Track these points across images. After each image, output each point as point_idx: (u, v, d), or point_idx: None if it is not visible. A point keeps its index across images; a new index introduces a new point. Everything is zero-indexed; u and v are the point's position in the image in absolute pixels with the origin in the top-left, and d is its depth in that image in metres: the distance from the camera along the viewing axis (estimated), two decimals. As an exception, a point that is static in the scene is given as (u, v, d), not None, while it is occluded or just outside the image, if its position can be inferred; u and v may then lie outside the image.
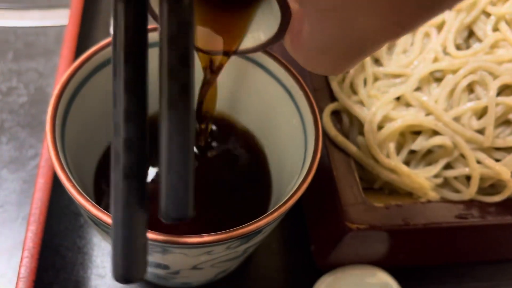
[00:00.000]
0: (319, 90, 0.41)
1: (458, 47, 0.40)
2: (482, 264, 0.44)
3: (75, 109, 0.32)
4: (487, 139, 0.36)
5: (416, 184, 0.36)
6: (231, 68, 0.38)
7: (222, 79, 0.38)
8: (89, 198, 0.27)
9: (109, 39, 0.34)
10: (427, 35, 0.40)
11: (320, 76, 0.42)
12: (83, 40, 0.49)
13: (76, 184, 0.27)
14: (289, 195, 0.28)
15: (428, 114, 0.38)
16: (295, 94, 0.35)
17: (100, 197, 0.35)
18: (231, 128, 0.40)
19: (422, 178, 0.36)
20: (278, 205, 0.28)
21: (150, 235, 0.25)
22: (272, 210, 0.27)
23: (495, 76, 0.37)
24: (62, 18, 0.54)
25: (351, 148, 0.37)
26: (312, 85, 0.41)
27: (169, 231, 0.27)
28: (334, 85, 0.40)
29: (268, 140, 0.39)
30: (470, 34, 0.40)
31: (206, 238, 0.26)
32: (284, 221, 0.44)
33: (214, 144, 0.40)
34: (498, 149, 0.37)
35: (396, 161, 0.37)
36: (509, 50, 0.38)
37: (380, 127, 0.38)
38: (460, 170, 0.37)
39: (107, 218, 0.26)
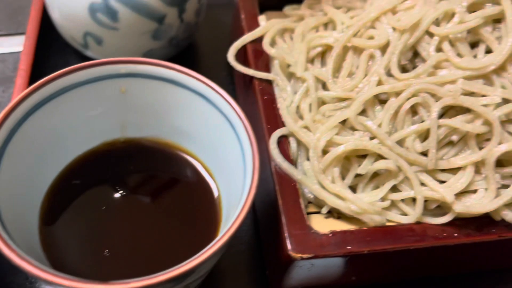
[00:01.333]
0: (269, 114, 0.41)
1: (404, 68, 0.40)
2: (435, 279, 0.44)
3: (9, 155, 0.32)
4: (430, 162, 0.36)
5: (360, 210, 0.36)
6: (175, 99, 0.38)
7: (167, 109, 0.39)
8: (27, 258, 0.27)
9: (50, 76, 0.34)
10: (372, 57, 0.40)
11: (269, 98, 0.42)
12: (39, 67, 0.49)
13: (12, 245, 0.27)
14: (219, 237, 0.28)
15: (372, 137, 0.38)
16: (236, 126, 0.35)
17: (47, 242, 0.35)
18: (179, 157, 0.40)
19: (365, 203, 0.36)
20: (208, 246, 0.28)
21: (69, 282, 0.25)
22: (200, 252, 0.28)
23: (437, 98, 0.37)
24: (21, 45, 0.54)
25: (297, 174, 0.37)
26: (262, 108, 0.41)
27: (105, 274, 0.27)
28: (282, 110, 0.40)
29: (217, 168, 0.39)
30: (415, 55, 0.40)
31: (133, 284, 0.26)
32: (240, 245, 0.45)
33: (162, 172, 0.40)
34: (444, 170, 0.38)
35: (340, 187, 0.37)
36: (452, 70, 0.38)
37: (326, 152, 0.38)
38: (405, 193, 0.37)
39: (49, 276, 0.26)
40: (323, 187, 0.37)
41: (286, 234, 0.35)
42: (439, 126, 0.37)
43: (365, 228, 0.36)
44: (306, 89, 0.40)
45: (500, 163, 0.38)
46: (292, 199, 0.36)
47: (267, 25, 0.45)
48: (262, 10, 0.50)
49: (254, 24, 0.47)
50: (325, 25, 0.45)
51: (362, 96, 0.38)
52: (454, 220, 0.37)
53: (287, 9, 0.49)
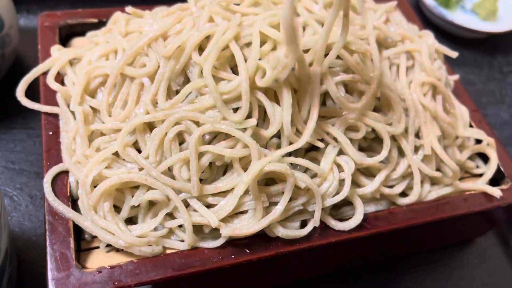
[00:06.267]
0: (51, 150, 0.40)
1: (178, 93, 0.40)
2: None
3: None
4: (193, 189, 0.37)
5: (127, 244, 0.36)
6: None
7: None
8: None
9: None
10: (141, 85, 0.40)
11: (55, 132, 0.41)
12: None
13: None
14: None
15: (141, 168, 0.38)
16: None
17: None
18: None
19: (132, 237, 0.36)
20: None
21: None
22: None
23: (200, 125, 0.37)
24: None
25: (67, 212, 0.37)
26: (44, 144, 0.40)
27: None
28: (63, 144, 0.40)
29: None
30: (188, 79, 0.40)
31: None
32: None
33: None
34: (217, 194, 0.38)
35: (110, 221, 0.37)
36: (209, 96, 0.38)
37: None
38: (177, 221, 0.37)
39: None
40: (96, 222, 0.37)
41: (49, 277, 0.34)
42: (202, 153, 0.37)
43: (135, 260, 0.36)
44: (76, 124, 0.39)
45: (274, 182, 0.39)
46: (61, 238, 0.36)
47: (56, 56, 0.45)
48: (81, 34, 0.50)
49: (48, 55, 0.46)
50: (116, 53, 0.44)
51: (124, 128, 0.38)
52: (237, 240, 0.38)
53: (89, 35, 0.49)
